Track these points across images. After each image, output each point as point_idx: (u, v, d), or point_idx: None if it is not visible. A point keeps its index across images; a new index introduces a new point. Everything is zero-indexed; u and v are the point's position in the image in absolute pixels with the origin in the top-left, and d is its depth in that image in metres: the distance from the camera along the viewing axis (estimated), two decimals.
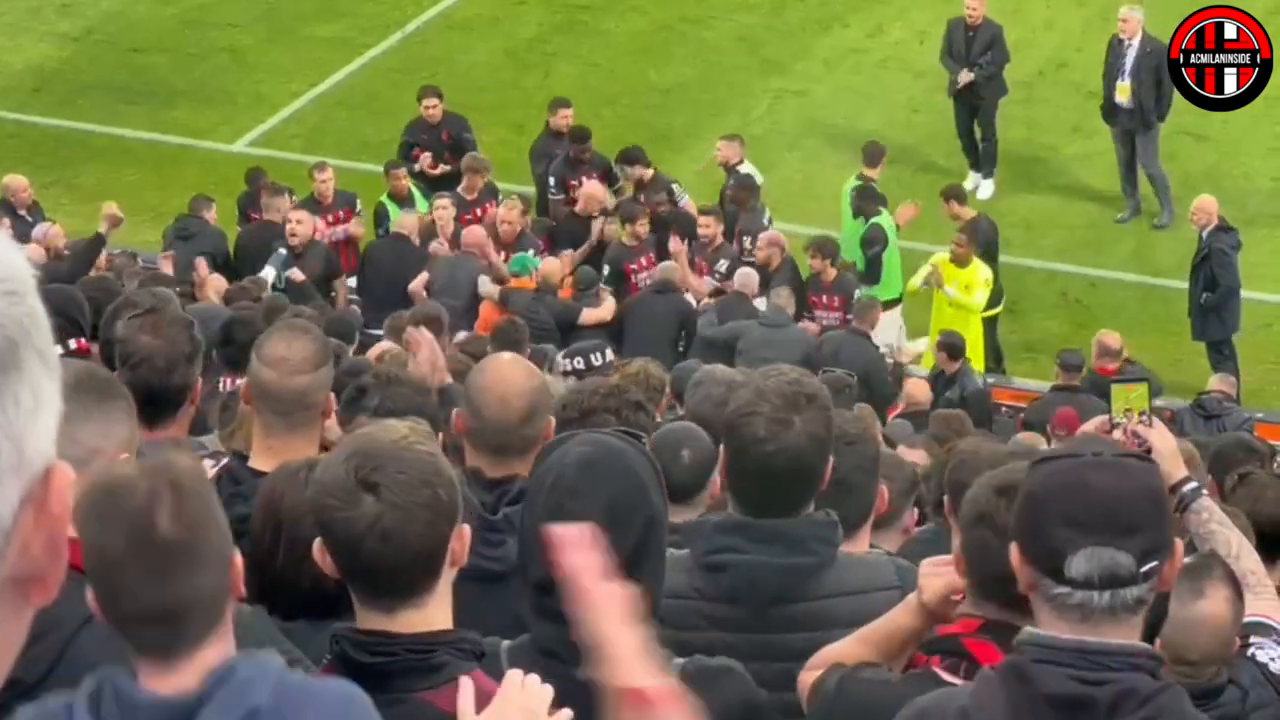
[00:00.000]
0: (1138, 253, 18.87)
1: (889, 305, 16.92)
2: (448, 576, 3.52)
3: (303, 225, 17.01)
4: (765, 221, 17.76)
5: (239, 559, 3.24)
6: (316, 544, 3.51)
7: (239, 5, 23.96)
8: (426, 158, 18.83)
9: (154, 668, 3.15)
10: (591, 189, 17.85)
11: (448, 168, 18.71)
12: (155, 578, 3.09)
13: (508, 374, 5.06)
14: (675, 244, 17.12)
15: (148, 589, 3.09)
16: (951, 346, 15.76)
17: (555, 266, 16.74)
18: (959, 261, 16.81)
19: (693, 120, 19.34)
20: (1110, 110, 18.77)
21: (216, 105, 22.01)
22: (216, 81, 22.43)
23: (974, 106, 19.53)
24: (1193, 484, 4.99)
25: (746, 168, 18.07)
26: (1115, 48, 18.66)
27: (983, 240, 17.24)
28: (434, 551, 3.46)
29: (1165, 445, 4.85)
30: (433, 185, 18.56)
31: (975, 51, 19.55)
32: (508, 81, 20.04)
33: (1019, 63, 20.40)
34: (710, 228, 17.17)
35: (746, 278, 16.45)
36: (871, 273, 17.23)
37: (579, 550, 3.19)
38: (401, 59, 21.84)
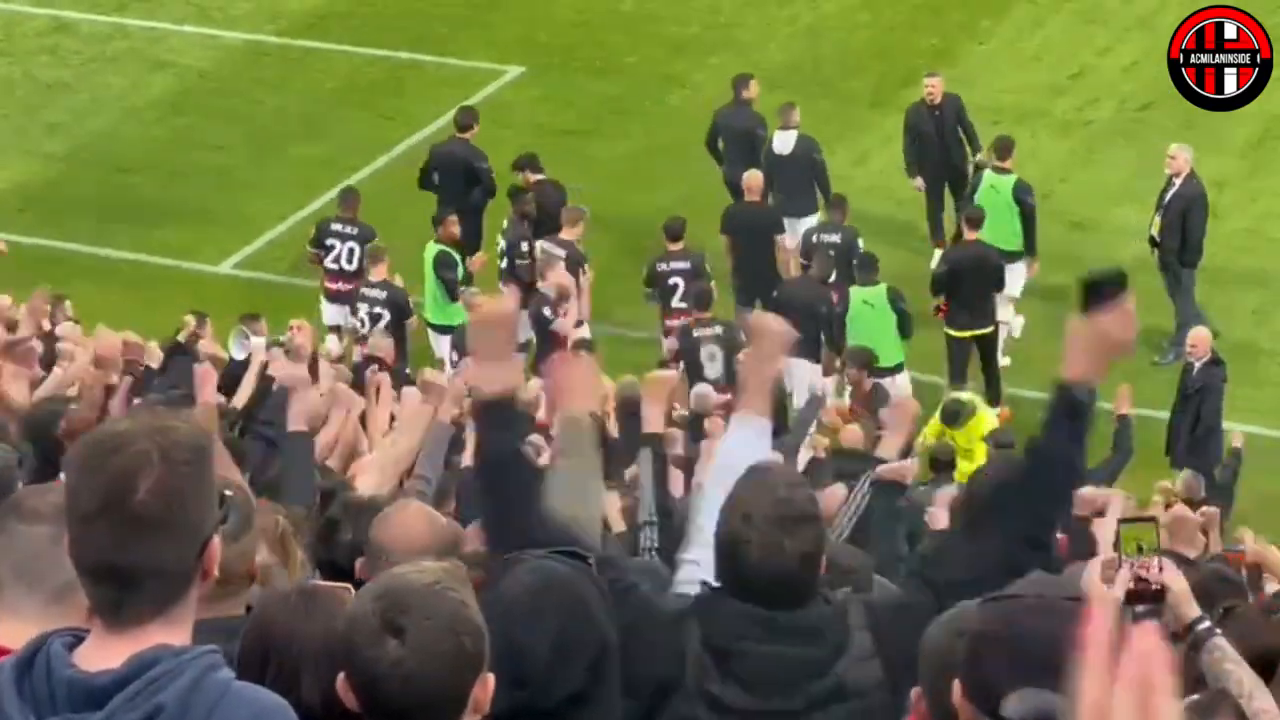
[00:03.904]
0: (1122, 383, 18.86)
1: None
2: None
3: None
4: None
5: (217, 542, 3.27)
6: (340, 678, 3.53)
7: (225, 126, 24.05)
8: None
9: (102, 628, 3.21)
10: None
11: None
12: (118, 538, 3.14)
13: (412, 524, 5.04)
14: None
15: (109, 547, 3.15)
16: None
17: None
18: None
19: None
20: (1152, 241, 18.91)
21: (202, 226, 22.04)
22: (202, 202, 22.48)
23: (953, 182, 20.03)
24: (1206, 623, 4.98)
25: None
26: (1167, 181, 18.79)
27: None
28: (456, 698, 3.48)
29: (1178, 586, 4.84)
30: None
31: (948, 128, 19.81)
32: (494, 203, 20.08)
33: None
34: None
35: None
36: (903, 326, 18.19)
37: None
38: (387, 182, 21.89)
